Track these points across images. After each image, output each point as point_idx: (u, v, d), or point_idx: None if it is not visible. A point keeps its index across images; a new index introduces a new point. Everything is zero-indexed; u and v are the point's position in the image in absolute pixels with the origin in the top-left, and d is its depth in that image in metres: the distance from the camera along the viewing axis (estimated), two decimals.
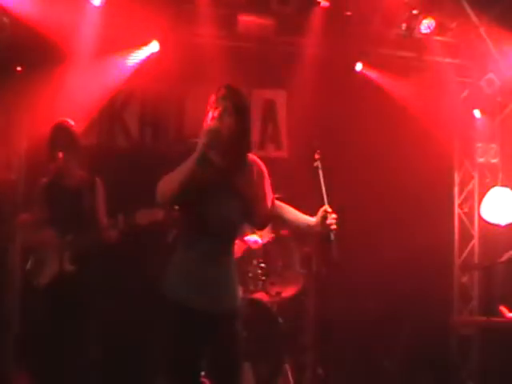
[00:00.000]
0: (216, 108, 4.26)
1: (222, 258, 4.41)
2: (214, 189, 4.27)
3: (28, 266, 6.14)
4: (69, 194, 6.09)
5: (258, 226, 4.96)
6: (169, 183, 4.16)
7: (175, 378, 4.34)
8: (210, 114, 4.27)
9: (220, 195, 4.32)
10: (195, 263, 4.32)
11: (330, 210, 4.42)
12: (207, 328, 4.30)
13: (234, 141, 4.30)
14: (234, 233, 4.50)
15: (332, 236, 4.43)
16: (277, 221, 4.72)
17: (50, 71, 7.22)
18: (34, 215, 6.20)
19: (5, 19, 6.98)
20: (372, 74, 8.63)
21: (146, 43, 7.91)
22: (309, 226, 4.51)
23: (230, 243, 4.49)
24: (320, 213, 4.43)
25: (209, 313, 4.30)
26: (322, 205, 4.46)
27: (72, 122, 6.26)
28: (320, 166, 4.62)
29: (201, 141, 4.15)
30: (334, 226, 4.38)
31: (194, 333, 4.28)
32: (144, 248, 7.43)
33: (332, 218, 4.39)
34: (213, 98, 4.31)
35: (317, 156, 4.65)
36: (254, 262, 7.25)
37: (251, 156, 4.49)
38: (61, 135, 6.12)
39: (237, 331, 4.44)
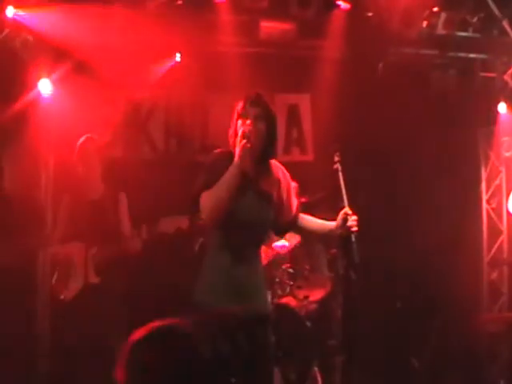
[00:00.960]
0: (245, 115, 4.30)
1: (252, 260, 4.47)
2: (242, 191, 4.27)
3: (53, 279, 6.28)
4: (92, 209, 6.21)
5: (280, 232, 4.97)
6: (216, 201, 4.18)
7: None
8: (240, 122, 4.30)
9: (248, 197, 4.36)
10: (227, 263, 4.36)
11: (350, 212, 4.45)
12: (240, 330, 4.34)
13: (264, 147, 4.37)
14: (262, 234, 4.57)
15: (353, 238, 4.49)
16: (298, 228, 4.75)
17: (75, 86, 7.34)
18: (60, 231, 6.34)
19: (29, 37, 7.08)
20: (393, 74, 8.60)
21: (169, 55, 7.99)
22: (330, 231, 4.55)
23: (259, 245, 4.55)
24: (340, 215, 4.46)
25: (242, 313, 4.33)
26: (343, 207, 4.50)
27: (96, 137, 6.39)
28: (340, 168, 4.69)
29: (238, 153, 4.19)
30: (354, 228, 4.42)
31: (227, 335, 4.28)
32: (170, 258, 7.54)
33: (353, 220, 4.43)
34: (240, 105, 4.36)
35: (336, 158, 4.70)
36: (282, 266, 7.30)
37: (274, 162, 4.55)
38: (86, 150, 6.26)
39: (268, 335, 4.51)
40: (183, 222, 6.59)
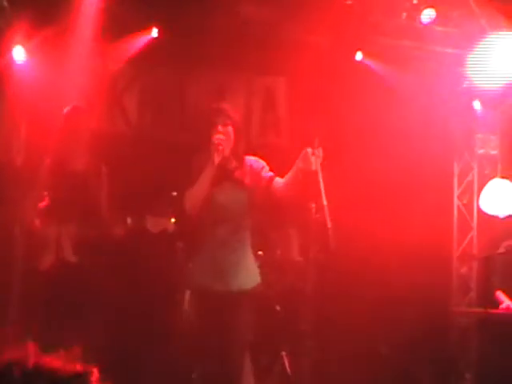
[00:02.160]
0: (215, 124, 5.09)
1: (234, 243, 5.15)
2: (219, 182, 5.08)
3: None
4: (73, 179, 6.02)
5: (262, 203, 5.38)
6: (194, 198, 5.06)
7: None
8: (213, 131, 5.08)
9: (225, 186, 5.14)
10: (213, 250, 5.12)
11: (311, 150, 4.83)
12: (227, 309, 5.04)
13: (235, 147, 5.19)
14: (241, 219, 5.19)
15: (329, 223, 4.78)
16: (276, 194, 5.18)
17: (52, 55, 7.19)
18: (37, 195, 6.11)
19: (4, 2, 6.94)
20: (372, 64, 8.59)
21: (146, 29, 7.87)
22: (296, 171, 4.94)
23: (241, 230, 5.20)
24: (302, 153, 4.85)
25: (227, 293, 5.05)
26: (320, 196, 4.81)
27: (83, 106, 6.24)
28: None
29: (213, 155, 5.01)
30: (314, 165, 4.79)
31: (214, 314, 5.01)
32: (151, 255, 7.44)
33: (315, 156, 4.80)
34: (213, 111, 5.19)
35: (315, 143, 4.93)
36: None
37: (247, 157, 5.27)
38: (72, 118, 6.07)
39: (242, 312, 5.14)
40: (169, 225, 6.71)
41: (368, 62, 8.60)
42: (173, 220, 6.70)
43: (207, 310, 5.11)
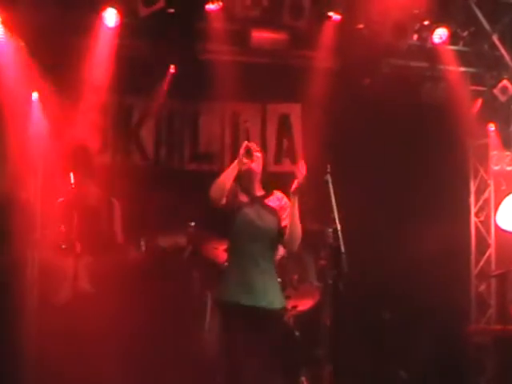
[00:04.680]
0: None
1: (265, 265, 5.31)
2: (249, 204, 5.37)
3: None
4: (86, 214, 6.17)
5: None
6: (219, 188, 5.23)
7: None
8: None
9: (254, 208, 5.36)
10: (243, 267, 5.27)
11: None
12: (254, 324, 5.14)
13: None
14: (271, 241, 5.37)
15: (342, 249, 5.00)
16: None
17: (66, 93, 7.34)
18: (52, 234, 6.27)
19: None
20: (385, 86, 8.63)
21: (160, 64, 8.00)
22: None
23: (270, 252, 5.40)
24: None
25: (255, 309, 5.17)
26: (333, 216, 5.10)
27: (87, 143, 6.38)
28: (330, 179, 5.32)
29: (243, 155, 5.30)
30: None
31: (242, 329, 5.14)
32: (166, 270, 7.53)
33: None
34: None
35: (327, 170, 5.34)
36: None
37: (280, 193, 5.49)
38: (79, 157, 6.23)
39: (272, 330, 5.30)
40: (181, 238, 6.75)
41: (380, 84, 8.61)
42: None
43: (236, 323, 5.20)
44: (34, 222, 7.09)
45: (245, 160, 5.31)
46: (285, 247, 5.52)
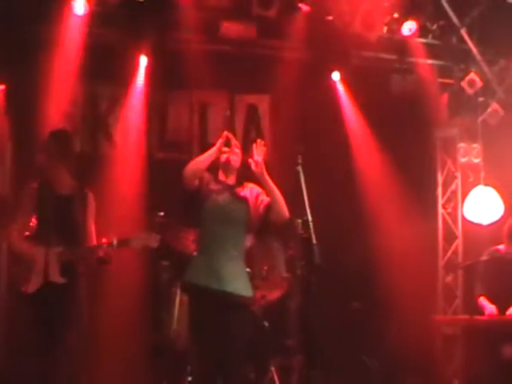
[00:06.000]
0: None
1: (233, 252, 5.32)
2: (220, 192, 5.40)
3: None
4: (59, 202, 6.05)
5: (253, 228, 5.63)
6: (194, 166, 5.32)
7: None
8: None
9: (224, 197, 5.39)
10: (211, 253, 5.29)
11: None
12: (223, 308, 5.16)
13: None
14: (240, 228, 5.41)
15: (314, 240, 5.02)
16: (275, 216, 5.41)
17: (35, 82, 7.27)
18: (23, 220, 6.14)
19: None
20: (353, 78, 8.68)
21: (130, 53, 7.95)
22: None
23: (239, 240, 5.41)
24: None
25: (224, 293, 5.18)
26: (304, 207, 5.13)
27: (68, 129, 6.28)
28: (301, 170, 5.36)
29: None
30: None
31: (211, 313, 5.16)
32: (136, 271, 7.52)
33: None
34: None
35: (298, 161, 5.37)
36: None
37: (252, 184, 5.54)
38: (56, 143, 6.10)
39: (246, 321, 5.33)
40: (153, 242, 6.71)
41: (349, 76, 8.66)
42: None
43: (206, 307, 5.20)
44: (4, 209, 7.02)
45: (224, 148, 5.42)
46: (278, 221, 5.47)
